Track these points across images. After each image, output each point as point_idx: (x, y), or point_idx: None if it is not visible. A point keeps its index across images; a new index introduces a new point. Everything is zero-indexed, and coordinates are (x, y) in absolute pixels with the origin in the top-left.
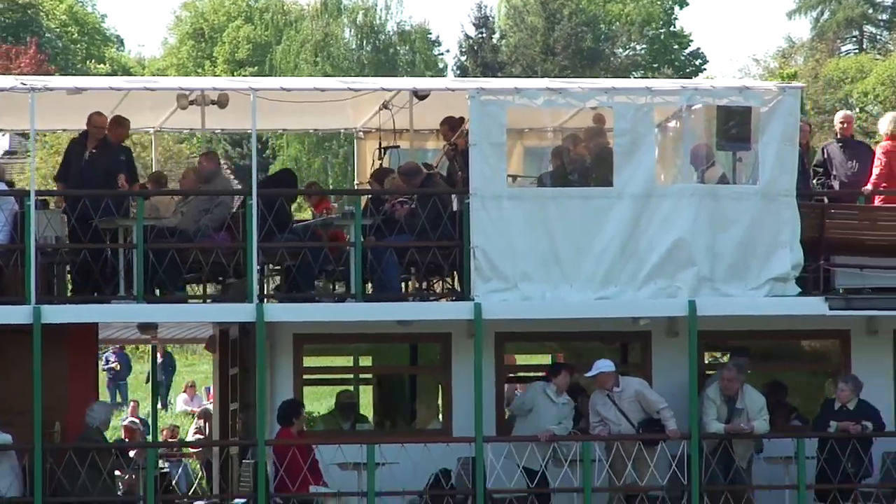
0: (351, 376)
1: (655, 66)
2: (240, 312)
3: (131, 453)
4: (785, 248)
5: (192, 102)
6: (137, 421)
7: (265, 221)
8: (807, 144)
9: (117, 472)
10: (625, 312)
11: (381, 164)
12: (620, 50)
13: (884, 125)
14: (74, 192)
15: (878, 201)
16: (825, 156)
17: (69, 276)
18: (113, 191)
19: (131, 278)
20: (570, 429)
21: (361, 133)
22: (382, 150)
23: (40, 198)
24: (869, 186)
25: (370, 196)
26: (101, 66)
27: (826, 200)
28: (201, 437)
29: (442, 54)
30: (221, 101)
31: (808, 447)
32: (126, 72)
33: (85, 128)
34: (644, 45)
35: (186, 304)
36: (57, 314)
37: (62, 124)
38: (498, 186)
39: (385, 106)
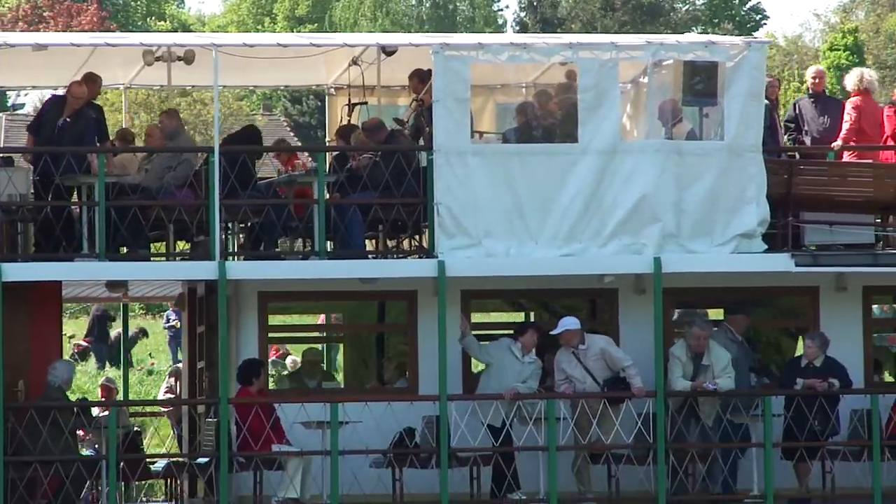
0: (318, 334)
1: (716, 21)
2: (202, 270)
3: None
4: (751, 204)
5: (158, 59)
6: (113, 378)
7: (229, 179)
8: (776, 99)
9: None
10: (589, 269)
11: (349, 121)
12: (680, 5)
13: (850, 81)
14: (38, 150)
15: (847, 157)
16: (797, 111)
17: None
18: (75, 147)
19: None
20: (536, 388)
21: (333, 90)
22: (351, 107)
23: (4, 155)
24: (839, 142)
25: (336, 153)
26: (162, 23)
27: (798, 156)
28: (172, 395)
29: (501, 10)
30: (188, 58)
31: (775, 405)
32: (186, 28)
33: (57, 88)
34: (704, 0)
35: (149, 262)
36: (18, 272)
37: (30, 81)
38: (462, 142)
39: (354, 62)
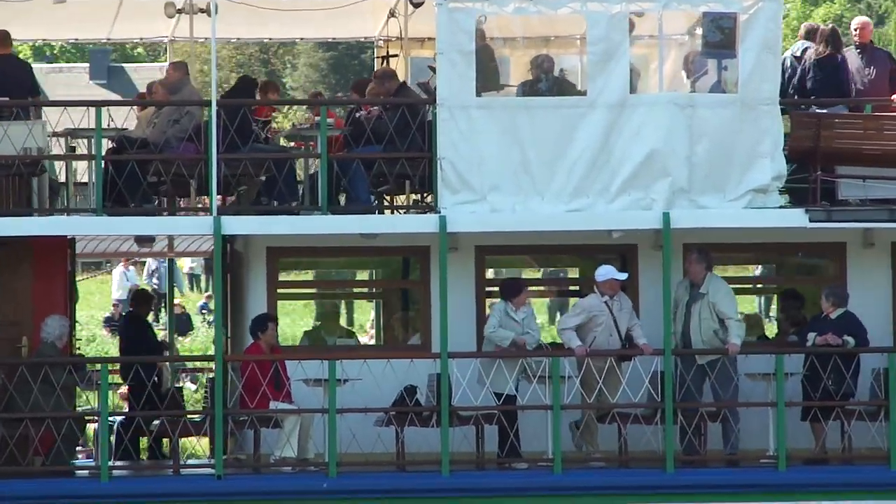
0: (334, 291)
1: None
2: (198, 225)
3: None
4: (766, 159)
5: (179, 11)
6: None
7: (235, 132)
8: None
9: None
10: (597, 225)
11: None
12: None
13: None
14: (25, 103)
15: None
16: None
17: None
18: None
19: (110, 190)
20: (538, 337)
21: (381, 42)
22: (384, 60)
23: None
24: None
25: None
26: None
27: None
28: None
29: None
30: (209, 10)
31: (795, 363)
32: None
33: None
34: None
35: (145, 217)
36: (7, 226)
37: (48, 34)
38: (466, 96)
39: (392, 14)
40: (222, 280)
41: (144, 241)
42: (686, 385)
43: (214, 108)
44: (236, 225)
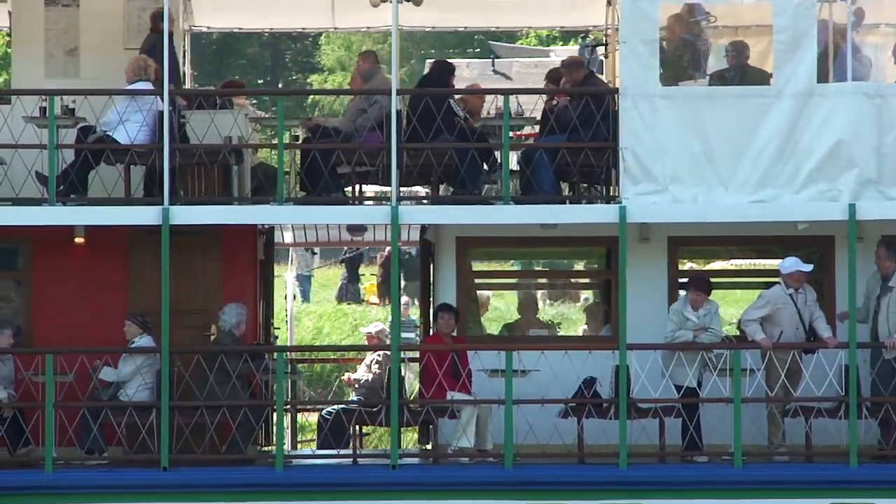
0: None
1: None
2: (374, 214)
3: None
4: None
5: (383, 0)
6: (385, 328)
7: (424, 121)
8: None
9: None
10: (780, 216)
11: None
12: None
13: None
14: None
15: None
16: None
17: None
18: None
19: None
20: (721, 335)
21: (609, 31)
22: (590, 49)
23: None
24: None
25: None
26: None
27: None
28: None
29: None
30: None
31: None
32: None
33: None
34: None
35: (322, 207)
36: (186, 215)
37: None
38: (650, 85)
39: (609, 3)
40: (421, 270)
41: (356, 230)
42: (871, 378)
43: (395, 96)
44: (414, 214)
